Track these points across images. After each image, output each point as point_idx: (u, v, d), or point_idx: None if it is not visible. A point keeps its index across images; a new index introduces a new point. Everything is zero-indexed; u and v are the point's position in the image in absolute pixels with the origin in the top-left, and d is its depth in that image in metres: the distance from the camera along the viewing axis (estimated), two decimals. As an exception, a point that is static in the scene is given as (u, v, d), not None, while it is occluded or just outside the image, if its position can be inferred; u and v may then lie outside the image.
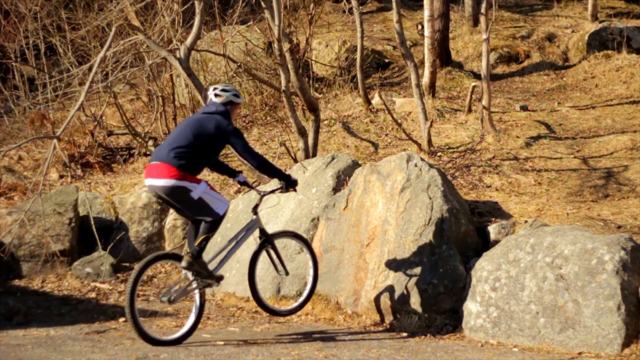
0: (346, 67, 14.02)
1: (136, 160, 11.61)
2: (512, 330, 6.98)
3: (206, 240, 6.99)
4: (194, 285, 7.03)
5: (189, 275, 7.03)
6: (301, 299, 7.72)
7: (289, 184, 7.23)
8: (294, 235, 7.91)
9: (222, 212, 6.95)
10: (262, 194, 7.45)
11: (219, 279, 7.17)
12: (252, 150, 7.03)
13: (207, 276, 7.05)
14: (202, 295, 7.09)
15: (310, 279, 7.74)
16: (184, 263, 6.96)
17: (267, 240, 7.42)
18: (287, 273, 7.60)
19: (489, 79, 11.76)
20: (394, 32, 12.89)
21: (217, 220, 6.96)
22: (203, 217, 6.97)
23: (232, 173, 7.49)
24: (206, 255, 7.26)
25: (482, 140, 11.17)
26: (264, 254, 7.46)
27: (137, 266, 6.79)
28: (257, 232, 7.41)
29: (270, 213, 9.05)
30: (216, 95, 7.15)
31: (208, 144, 6.92)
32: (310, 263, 7.72)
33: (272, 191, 7.48)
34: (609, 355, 6.47)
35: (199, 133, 6.89)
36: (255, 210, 7.38)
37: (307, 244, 7.82)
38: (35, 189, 9.57)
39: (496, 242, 7.79)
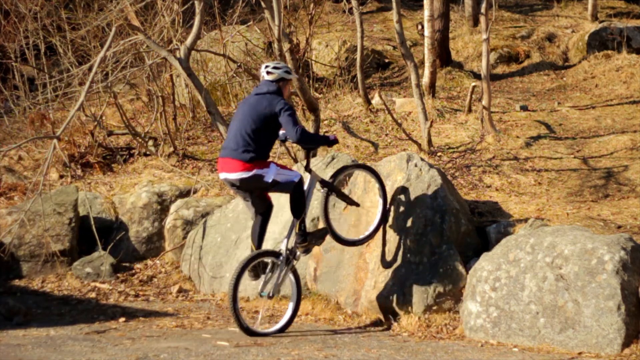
0: (346, 67, 14.01)
1: (136, 160, 11.61)
2: (512, 330, 6.98)
3: (302, 222, 7.41)
4: (284, 269, 7.39)
5: (277, 262, 7.36)
6: (370, 229, 7.92)
7: (331, 143, 7.44)
8: (352, 167, 8.11)
9: (297, 179, 7.31)
10: (308, 149, 7.65)
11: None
12: (295, 126, 7.12)
13: (321, 237, 7.61)
14: (297, 278, 7.53)
15: (380, 206, 7.92)
16: (302, 253, 7.52)
17: (330, 189, 7.67)
18: (357, 205, 7.94)
19: (489, 79, 11.75)
20: (394, 32, 12.88)
21: (295, 196, 7.32)
22: (282, 192, 7.41)
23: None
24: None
25: (482, 140, 11.17)
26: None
27: (239, 263, 7.18)
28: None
29: (270, 213, 9.04)
30: (268, 72, 7.34)
31: (267, 126, 7.18)
32: (378, 187, 7.94)
33: (317, 146, 7.77)
34: (609, 355, 6.47)
35: (257, 118, 7.17)
36: (307, 168, 7.59)
37: (370, 170, 8.05)
38: (35, 189, 9.57)
39: (499, 240, 7.79)
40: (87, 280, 9.41)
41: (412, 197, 7.93)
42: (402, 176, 8.10)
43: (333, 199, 7.97)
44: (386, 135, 11.80)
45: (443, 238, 7.68)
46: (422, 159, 8.27)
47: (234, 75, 12.66)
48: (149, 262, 9.91)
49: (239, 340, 6.96)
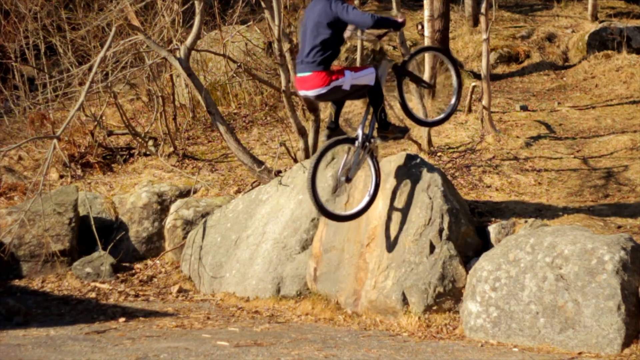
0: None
1: (136, 160, 11.61)
2: (512, 330, 6.98)
3: (382, 111, 7.69)
4: (361, 153, 7.74)
5: (355, 146, 7.69)
6: (446, 111, 8.31)
7: (399, 26, 7.54)
8: (422, 50, 8.54)
9: (373, 82, 7.53)
10: (376, 36, 7.94)
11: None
12: (367, 13, 7.41)
13: (401, 132, 7.91)
14: (374, 161, 7.83)
15: (455, 83, 8.25)
16: (380, 139, 7.81)
17: (402, 74, 7.92)
18: (430, 86, 8.43)
19: (489, 79, 11.75)
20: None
21: (373, 90, 7.55)
22: (362, 94, 7.63)
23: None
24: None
25: (482, 140, 11.17)
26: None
27: (318, 150, 7.62)
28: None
29: (270, 213, 9.05)
30: None
31: (336, 30, 7.39)
32: (451, 66, 8.28)
33: (385, 34, 7.85)
34: (609, 355, 6.47)
35: (325, 26, 7.36)
36: (381, 54, 7.82)
37: (443, 52, 8.46)
38: (35, 189, 9.57)
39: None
40: (87, 280, 9.41)
41: (412, 197, 7.93)
42: (402, 176, 8.10)
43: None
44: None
45: (443, 238, 7.68)
46: (422, 159, 8.28)
47: (234, 75, 12.65)
48: (149, 262, 9.91)
49: (239, 340, 6.96)
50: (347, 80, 7.43)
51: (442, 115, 8.39)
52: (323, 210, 7.65)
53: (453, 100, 8.29)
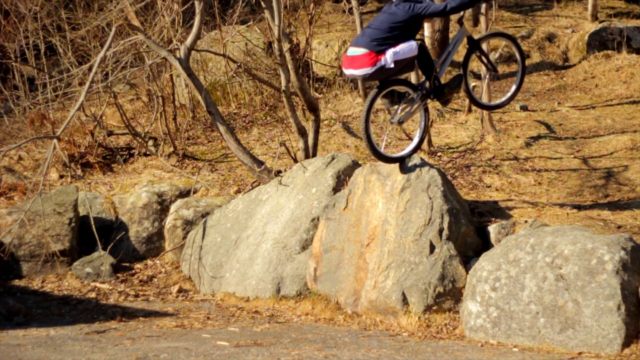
0: (346, 67, 13.97)
1: (136, 160, 11.61)
2: (512, 330, 6.98)
3: (435, 78, 7.90)
4: (418, 103, 7.93)
5: (413, 95, 7.89)
6: (506, 97, 8.70)
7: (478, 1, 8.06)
8: (499, 35, 9.02)
9: (416, 52, 7.66)
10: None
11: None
12: (440, 5, 7.74)
13: (457, 85, 8.08)
14: (427, 113, 8.10)
15: (519, 72, 8.59)
16: (443, 104, 8.15)
17: (475, 46, 8.29)
18: (496, 71, 8.72)
19: (489, 78, 11.74)
20: (394, 32, 12.87)
21: (420, 59, 7.75)
22: (406, 68, 7.81)
23: None
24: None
25: (482, 140, 11.17)
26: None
27: (380, 84, 7.73)
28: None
29: (270, 213, 9.06)
30: None
31: (405, 30, 7.64)
32: (516, 50, 8.62)
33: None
34: (609, 355, 6.47)
35: (394, 26, 7.58)
36: (460, 21, 8.29)
37: (513, 40, 8.77)
38: (35, 189, 9.57)
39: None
40: (87, 280, 9.41)
41: (412, 197, 7.93)
42: (402, 176, 8.10)
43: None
44: (386, 135, 11.79)
45: (443, 238, 7.68)
46: (422, 159, 8.28)
47: (234, 75, 12.65)
48: (149, 262, 9.91)
49: (239, 340, 6.96)
50: (389, 59, 7.54)
51: (501, 100, 8.78)
52: (373, 149, 7.81)
53: (514, 88, 8.58)
